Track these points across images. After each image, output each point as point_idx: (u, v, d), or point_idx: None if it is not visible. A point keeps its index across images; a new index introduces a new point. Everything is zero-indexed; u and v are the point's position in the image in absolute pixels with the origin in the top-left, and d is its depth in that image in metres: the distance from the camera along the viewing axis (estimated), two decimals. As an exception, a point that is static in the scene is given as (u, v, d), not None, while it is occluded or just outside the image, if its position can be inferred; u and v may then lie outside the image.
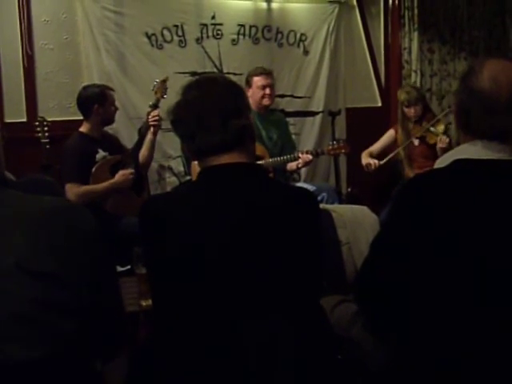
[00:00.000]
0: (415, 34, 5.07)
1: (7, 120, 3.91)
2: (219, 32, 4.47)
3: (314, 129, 4.89)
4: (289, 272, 1.45)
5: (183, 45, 4.37)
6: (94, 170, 3.45)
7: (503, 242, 1.30)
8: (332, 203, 3.82)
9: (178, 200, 1.52)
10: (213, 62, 4.48)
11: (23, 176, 2.46)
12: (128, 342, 1.46)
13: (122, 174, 3.48)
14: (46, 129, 3.64)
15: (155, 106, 3.59)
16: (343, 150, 3.87)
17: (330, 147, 3.87)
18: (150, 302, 1.95)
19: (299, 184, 4.31)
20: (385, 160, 4.18)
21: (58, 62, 4.06)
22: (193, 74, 4.31)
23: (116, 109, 3.61)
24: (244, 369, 1.36)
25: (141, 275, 2.13)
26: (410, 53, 5.11)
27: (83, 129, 3.52)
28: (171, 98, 1.67)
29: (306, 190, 1.67)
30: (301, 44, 4.78)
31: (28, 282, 1.15)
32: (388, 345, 1.48)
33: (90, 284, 1.24)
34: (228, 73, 4.41)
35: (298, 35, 4.76)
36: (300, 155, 3.84)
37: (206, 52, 4.45)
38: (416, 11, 5.04)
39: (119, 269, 3.20)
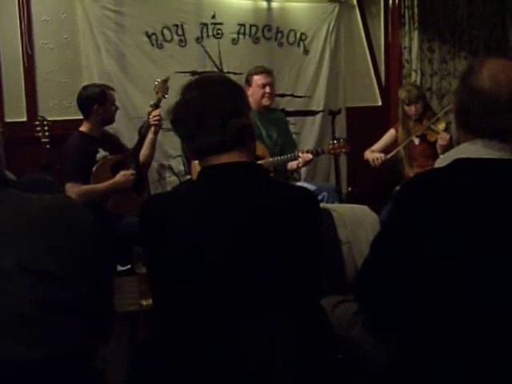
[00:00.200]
0: (415, 33, 5.07)
1: (7, 119, 3.91)
2: (219, 31, 4.47)
3: (314, 128, 4.89)
4: (289, 272, 1.45)
5: (183, 44, 4.37)
6: (94, 169, 3.45)
7: (503, 242, 1.30)
8: (332, 202, 3.82)
9: (178, 199, 1.52)
10: (213, 62, 4.48)
11: (24, 176, 2.46)
12: (111, 335, 1.46)
13: (123, 175, 3.48)
14: (46, 128, 3.64)
15: (156, 106, 3.58)
16: (343, 150, 3.87)
17: (331, 146, 3.86)
18: (150, 301, 1.94)
19: (299, 183, 4.31)
20: (391, 154, 4.19)
21: (58, 61, 4.06)
22: (193, 73, 4.32)
23: (116, 108, 3.60)
24: (244, 369, 1.36)
25: (141, 275, 2.13)
26: (410, 52, 5.11)
27: (83, 128, 3.52)
28: (171, 97, 1.67)
29: (306, 189, 1.67)
30: (301, 43, 4.78)
31: (28, 281, 1.15)
32: (388, 345, 1.48)
33: (89, 283, 1.24)
34: (228, 72, 4.41)
35: (298, 34, 4.76)
36: (300, 154, 3.84)
37: (206, 51, 4.45)
38: (416, 10, 5.04)
39: (120, 268, 3.20)
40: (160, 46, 4.30)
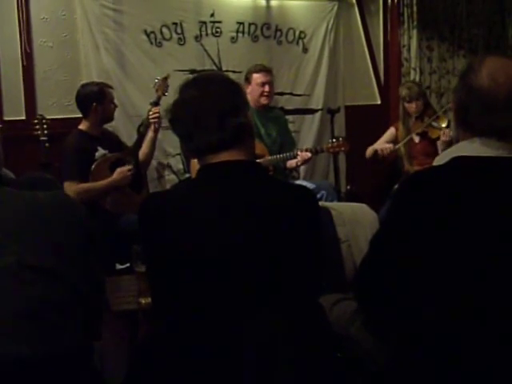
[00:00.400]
0: (414, 32, 5.07)
1: (6, 118, 3.90)
2: (218, 30, 4.47)
3: (313, 126, 4.88)
4: (288, 270, 1.45)
5: (182, 42, 4.37)
6: (93, 167, 3.44)
7: (503, 239, 1.30)
8: (331, 201, 3.81)
9: (177, 198, 1.52)
10: (212, 60, 4.47)
11: (22, 174, 2.46)
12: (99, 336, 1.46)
13: (119, 172, 3.48)
14: (44, 127, 3.64)
15: (156, 104, 3.59)
16: (342, 148, 3.87)
17: (330, 145, 3.86)
18: (149, 300, 1.94)
19: (298, 182, 4.31)
20: (399, 145, 4.18)
21: (56, 59, 4.06)
22: (192, 71, 4.30)
23: (115, 106, 3.60)
24: (243, 368, 1.36)
25: (140, 273, 2.13)
26: (409, 50, 5.11)
27: (82, 127, 3.51)
28: (170, 95, 1.67)
29: (305, 187, 1.67)
30: (300, 42, 4.78)
31: (29, 279, 1.15)
32: (387, 343, 1.48)
33: (86, 280, 1.24)
34: (227, 70, 4.40)
35: (297, 33, 4.75)
36: (299, 153, 3.84)
37: (205, 50, 4.44)
38: (415, 9, 5.04)
39: (118, 266, 3.21)
40: (159, 45, 4.29)
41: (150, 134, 3.66)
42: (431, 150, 4.16)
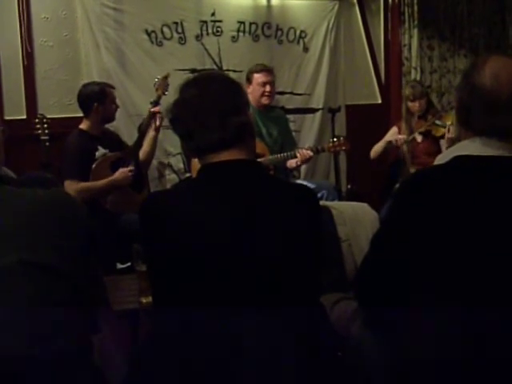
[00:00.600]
0: (415, 31, 5.07)
1: (7, 117, 3.90)
2: (219, 29, 4.47)
3: (313, 126, 4.89)
4: (289, 269, 1.45)
5: (183, 42, 4.37)
6: (94, 166, 3.44)
7: (503, 238, 1.30)
8: (332, 200, 3.81)
9: (178, 197, 1.52)
10: (212, 59, 4.47)
11: (23, 173, 2.46)
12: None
13: (121, 172, 3.48)
14: (45, 126, 3.64)
15: (156, 103, 3.59)
16: (343, 147, 3.86)
17: (330, 144, 3.85)
18: (150, 299, 1.94)
19: (299, 181, 4.30)
20: (411, 137, 4.17)
21: (57, 59, 4.06)
22: (192, 71, 4.31)
23: (117, 107, 3.59)
24: (244, 368, 1.36)
25: (141, 272, 2.13)
26: (409, 50, 5.11)
27: (83, 126, 3.51)
28: (171, 94, 1.67)
29: (306, 187, 1.67)
30: (301, 41, 4.78)
31: (30, 276, 1.15)
32: (388, 342, 1.48)
33: (86, 277, 1.24)
34: (228, 70, 4.40)
35: (298, 32, 4.76)
36: (299, 151, 3.83)
37: (205, 49, 4.44)
38: (416, 8, 5.04)
39: (119, 266, 3.21)
40: (160, 44, 4.29)
41: (152, 133, 3.66)
42: (433, 149, 4.15)
